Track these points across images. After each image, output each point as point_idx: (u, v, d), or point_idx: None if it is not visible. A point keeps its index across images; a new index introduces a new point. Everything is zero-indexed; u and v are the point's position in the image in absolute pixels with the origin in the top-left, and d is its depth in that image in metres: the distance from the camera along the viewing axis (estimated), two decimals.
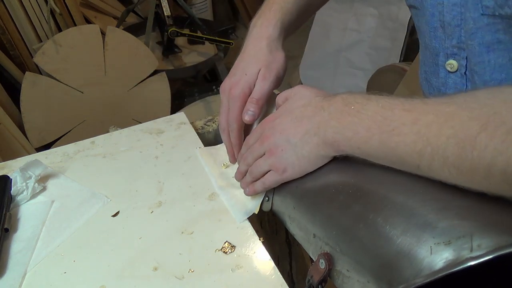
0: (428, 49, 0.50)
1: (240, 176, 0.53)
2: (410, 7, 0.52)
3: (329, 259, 0.39)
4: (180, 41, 1.99)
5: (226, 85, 0.55)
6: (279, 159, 0.46)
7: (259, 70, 0.53)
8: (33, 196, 0.57)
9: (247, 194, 0.52)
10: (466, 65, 0.46)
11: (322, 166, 0.44)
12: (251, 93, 0.54)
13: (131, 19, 2.12)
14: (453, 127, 0.32)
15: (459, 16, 0.43)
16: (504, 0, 0.38)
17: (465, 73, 0.46)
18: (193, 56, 2.01)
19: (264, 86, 0.53)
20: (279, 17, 0.56)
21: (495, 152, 0.30)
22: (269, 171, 0.48)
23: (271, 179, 0.48)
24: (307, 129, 0.43)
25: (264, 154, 0.48)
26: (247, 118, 0.54)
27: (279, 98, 0.51)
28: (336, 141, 0.41)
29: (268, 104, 0.57)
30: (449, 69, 0.47)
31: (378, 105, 0.38)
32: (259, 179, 0.49)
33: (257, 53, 0.54)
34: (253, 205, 0.52)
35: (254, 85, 0.54)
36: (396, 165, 0.37)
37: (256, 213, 0.52)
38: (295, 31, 0.62)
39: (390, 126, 0.36)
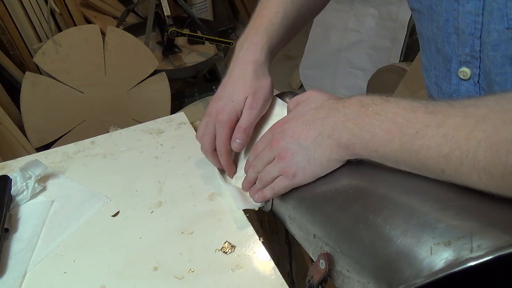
0: (441, 54, 0.49)
1: (249, 186, 0.52)
2: (413, 10, 0.51)
3: (329, 259, 0.39)
4: (180, 41, 1.99)
5: (212, 108, 0.55)
6: (290, 163, 0.44)
7: (246, 98, 0.52)
8: (33, 196, 0.57)
9: (256, 201, 0.51)
10: (479, 73, 0.45)
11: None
12: (238, 120, 0.53)
13: (131, 19, 2.12)
14: (486, 130, 0.31)
15: (473, 25, 0.42)
16: None
17: (478, 81, 0.45)
18: (193, 56, 2.01)
19: (251, 115, 0.52)
20: (265, 41, 0.54)
21: None
22: (278, 176, 0.47)
23: (281, 185, 0.46)
24: (320, 131, 0.42)
25: (274, 159, 0.46)
26: (235, 146, 0.53)
27: (291, 104, 0.50)
28: (351, 144, 0.39)
29: (270, 112, 0.57)
30: (461, 76, 0.46)
31: (399, 107, 0.36)
32: (268, 185, 0.48)
33: (244, 78, 0.53)
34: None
35: (241, 112, 0.53)
36: (417, 170, 0.36)
37: (256, 209, 0.52)
38: (282, 49, 0.61)
39: (413, 128, 0.35)
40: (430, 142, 0.34)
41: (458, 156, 0.32)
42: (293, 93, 0.62)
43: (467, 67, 0.45)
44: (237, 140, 0.53)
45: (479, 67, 0.44)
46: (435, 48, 0.50)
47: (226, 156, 0.55)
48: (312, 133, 0.42)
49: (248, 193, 0.52)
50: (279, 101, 0.58)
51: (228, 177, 0.58)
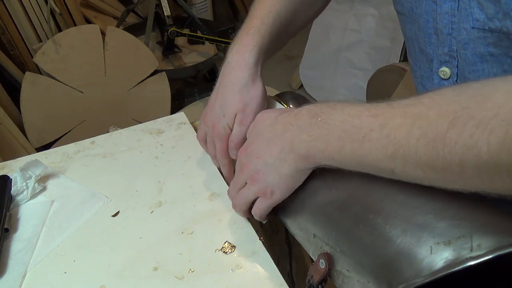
0: (424, 55, 0.50)
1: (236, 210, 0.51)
2: (398, 12, 0.52)
3: (329, 259, 0.39)
4: (180, 41, 1.99)
5: (208, 118, 0.55)
6: (264, 184, 0.45)
7: (236, 115, 0.52)
8: (33, 196, 0.57)
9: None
10: (457, 73, 0.46)
11: (323, 167, 0.44)
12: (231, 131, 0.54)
13: (131, 19, 2.12)
14: (422, 127, 0.32)
15: (450, 25, 0.43)
16: (493, 13, 0.37)
17: (456, 80, 0.46)
18: (193, 56, 2.01)
19: (241, 131, 0.52)
20: (256, 42, 0.53)
21: (464, 147, 0.29)
22: (256, 198, 0.47)
23: (262, 206, 0.46)
24: (281, 146, 0.43)
25: (246, 183, 0.47)
26: (232, 157, 0.54)
27: (248, 130, 0.51)
28: (311, 155, 0.41)
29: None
30: (442, 76, 0.47)
31: (345, 114, 0.38)
32: (245, 209, 0.49)
33: (233, 91, 0.52)
34: None
35: (233, 125, 0.53)
36: (372, 172, 0.37)
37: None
38: (277, 50, 0.60)
39: (359, 133, 0.36)
40: (376, 144, 0.35)
41: (402, 155, 0.33)
42: (293, 93, 0.62)
43: (446, 67, 0.46)
44: (233, 152, 0.54)
45: (457, 66, 0.45)
46: (418, 49, 0.51)
47: (227, 166, 0.56)
48: (274, 149, 0.43)
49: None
50: (277, 104, 0.58)
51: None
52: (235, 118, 0.52)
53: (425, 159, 0.32)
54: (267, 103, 0.55)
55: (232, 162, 0.56)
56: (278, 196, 0.45)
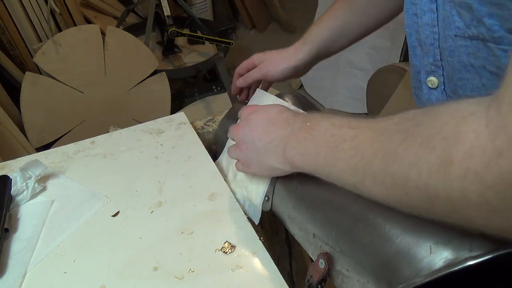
0: (412, 66, 0.51)
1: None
2: None
3: (329, 259, 0.39)
4: (180, 41, 1.99)
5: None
6: (243, 156, 0.49)
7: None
8: (33, 196, 0.57)
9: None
10: (444, 81, 0.46)
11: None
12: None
13: (131, 19, 2.12)
14: (381, 141, 0.32)
15: (432, 35, 0.44)
16: (469, 21, 0.38)
17: (444, 89, 0.47)
18: (193, 56, 2.01)
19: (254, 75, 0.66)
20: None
21: (409, 165, 0.29)
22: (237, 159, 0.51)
23: (239, 168, 0.51)
24: (272, 138, 0.44)
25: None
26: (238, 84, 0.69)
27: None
28: (292, 157, 0.42)
29: None
30: (430, 85, 0.48)
31: (330, 123, 0.39)
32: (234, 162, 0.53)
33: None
34: (257, 202, 0.52)
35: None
36: (340, 183, 0.38)
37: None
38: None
39: (335, 142, 0.37)
40: (345, 154, 0.36)
41: (362, 168, 0.34)
42: (292, 93, 0.63)
43: (433, 76, 0.47)
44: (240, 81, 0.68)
45: (443, 75, 0.46)
46: (410, 61, 0.52)
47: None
48: (266, 137, 0.45)
49: (258, 206, 0.53)
50: (278, 100, 0.58)
51: (229, 177, 0.58)
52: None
53: (379, 175, 0.32)
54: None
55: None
56: (253, 171, 0.49)
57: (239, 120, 0.51)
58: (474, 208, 0.26)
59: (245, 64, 0.68)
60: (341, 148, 0.36)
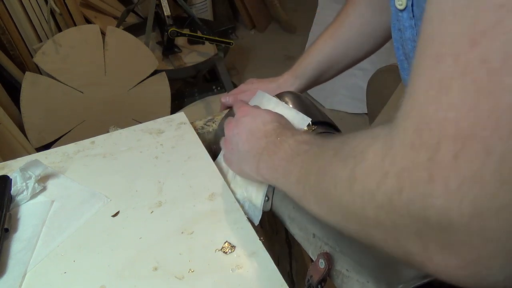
0: (403, 80, 0.52)
1: None
2: None
3: (329, 259, 0.39)
4: (180, 41, 1.99)
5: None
6: (227, 154, 0.52)
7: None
8: (33, 196, 0.57)
9: None
10: None
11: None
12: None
13: (131, 19, 2.12)
14: (320, 157, 0.34)
15: (413, 49, 0.44)
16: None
17: None
18: (193, 56, 2.00)
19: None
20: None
21: (330, 179, 0.30)
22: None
23: (225, 161, 0.54)
24: (250, 148, 0.46)
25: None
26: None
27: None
28: (262, 169, 0.44)
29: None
30: None
31: (294, 139, 0.41)
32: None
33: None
34: (257, 203, 0.52)
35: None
36: (293, 197, 0.39)
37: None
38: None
39: (291, 157, 0.39)
40: (294, 168, 0.38)
41: (303, 181, 0.35)
42: (292, 93, 0.62)
43: None
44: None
45: None
46: (400, 75, 0.53)
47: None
48: (246, 145, 0.47)
49: (258, 206, 0.53)
50: (279, 103, 0.58)
51: (228, 177, 0.58)
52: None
53: (313, 189, 0.33)
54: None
55: None
56: (233, 170, 0.52)
57: (234, 115, 0.52)
58: (373, 228, 0.27)
59: (235, 90, 0.71)
60: (294, 162, 0.38)
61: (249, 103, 0.64)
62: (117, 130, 0.70)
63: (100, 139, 0.68)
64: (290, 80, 0.67)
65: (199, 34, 1.88)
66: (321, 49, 0.66)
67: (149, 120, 0.71)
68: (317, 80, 0.69)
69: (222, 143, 0.53)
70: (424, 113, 0.21)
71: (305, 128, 0.54)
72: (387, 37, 0.67)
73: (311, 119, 0.54)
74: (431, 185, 0.21)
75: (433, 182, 0.21)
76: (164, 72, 1.74)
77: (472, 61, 0.19)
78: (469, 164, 0.19)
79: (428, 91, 0.21)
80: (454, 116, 0.20)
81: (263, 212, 0.52)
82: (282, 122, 0.48)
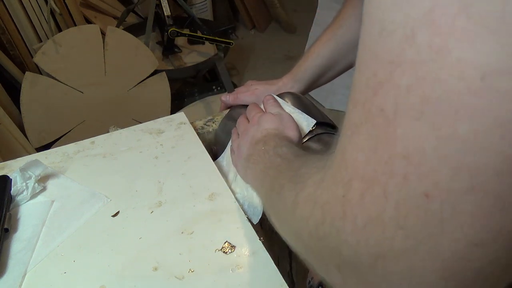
0: None
1: None
2: None
3: None
4: (180, 41, 1.99)
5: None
6: (236, 148, 0.55)
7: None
8: (33, 196, 0.57)
9: None
10: None
11: None
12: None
13: (131, 19, 2.12)
14: (283, 174, 0.36)
15: None
16: None
17: None
18: (193, 56, 2.01)
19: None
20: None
21: (282, 199, 0.33)
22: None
23: (232, 151, 0.57)
24: (248, 154, 0.50)
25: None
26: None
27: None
28: (248, 175, 0.48)
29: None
30: None
31: (274, 151, 0.44)
32: None
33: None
34: (258, 202, 0.52)
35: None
36: (266, 208, 0.43)
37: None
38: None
39: (266, 169, 0.42)
40: (265, 181, 0.40)
41: (269, 196, 0.38)
42: (292, 94, 0.63)
43: None
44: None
45: None
46: None
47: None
48: (247, 151, 0.50)
49: (258, 206, 0.53)
50: (279, 100, 0.58)
51: (229, 178, 0.58)
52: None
53: (273, 204, 0.36)
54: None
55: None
56: (234, 163, 0.56)
57: (250, 114, 0.56)
58: (309, 252, 0.28)
59: (234, 91, 0.72)
60: (267, 174, 0.41)
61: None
62: (117, 130, 0.70)
63: (100, 139, 0.68)
64: (290, 83, 0.67)
65: (199, 34, 1.88)
66: (320, 51, 0.67)
67: (149, 120, 0.71)
68: (317, 82, 0.70)
69: (233, 135, 0.57)
70: (343, 152, 0.22)
71: (310, 129, 0.55)
72: None
73: (315, 121, 0.55)
74: (343, 221, 0.22)
75: (345, 219, 0.21)
76: (164, 72, 1.74)
77: (373, 109, 0.20)
78: (372, 205, 0.20)
79: (347, 132, 0.22)
80: (362, 158, 0.21)
81: (263, 212, 0.52)
82: (279, 128, 0.49)
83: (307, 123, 0.55)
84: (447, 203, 0.17)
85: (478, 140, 0.16)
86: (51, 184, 0.59)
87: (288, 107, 0.58)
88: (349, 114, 0.22)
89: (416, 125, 0.17)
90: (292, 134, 0.50)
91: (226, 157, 0.62)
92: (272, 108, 0.55)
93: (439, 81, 0.16)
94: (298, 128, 0.52)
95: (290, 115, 0.53)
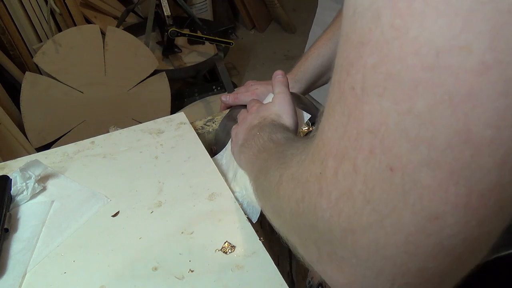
0: None
1: None
2: None
3: None
4: (180, 41, 1.99)
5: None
6: (234, 135, 0.56)
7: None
8: (33, 196, 0.57)
9: None
10: None
11: None
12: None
13: (131, 19, 2.12)
14: (273, 156, 0.38)
15: None
16: None
17: None
18: (193, 56, 2.00)
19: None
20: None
21: (269, 179, 0.34)
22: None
23: (232, 138, 0.58)
24: (243, 139, 0.52)
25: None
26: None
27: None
28: (242, 160, 0.50)
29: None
30: None
31: (268, 136, 0.46)
32: None
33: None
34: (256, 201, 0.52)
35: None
36: (255, 191, 0.43)
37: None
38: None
39: (259, 152, 0.44)
40: (257, 163, 0.42)
41: (259, 177, 0.39)
42: (292, 93, 0.63)
43: None
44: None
45: None
46: None
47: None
48: (242, 137, 0.53)
49: (257, 205, 0.53)
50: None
51: (229, 176, 0.58)
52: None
53: (260, 186, 0.37)
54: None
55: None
56: (232, 151, 0.57)
57: (250, 106, 0.58)
58: (290, 230, 0.29)
59: (235, 91, 0.75)
60: (259, 157, 0.42)
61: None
62: (117, 130, 0.70)
63: (100, 139, 0.68)
64: (290, 84, 0.67)
65: (199, 34, 1.88)
66: (320, 52, 0.67)
67: (149, 120, 0.71)
68: (317, 82, 0.70)
69: (234, 127, 0.58)
70: (321, 131, 0.23)
71: (305, 123, 0.55)
72: None
73: (310, 115, 0.55)
74: (319, 197, 0.23)
75: (321, 195, 0.23)
76: (164, 72, 1.74)
77: (346, 88, 0.21)
78: (343, 181, 0.21)
79: (325, 112, 0.23)
80: (334, 135, 0.22)
81: (262, 211, 0.52)
82: (276, 116, 0.51)
83: (302, 118, 0.55)
84: (407, 176, 0.18)
85: (432, 114, 0.17)
86: (51, 184, 0.59)
87: None
88: (328, 96, 0.23)
89: (380, 100, 0.19)
90: (289, 122, 0.51)
91: (225, 156, 0.62)
92: (278, 86, 0.56)
93: (399, 58, 0.18)
94: (295, 115, 0.53)
95: (291, 101, 0.54)
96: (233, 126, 0.58)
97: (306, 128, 0.55)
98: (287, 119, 0.51)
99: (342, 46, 0.21)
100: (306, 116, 0.55)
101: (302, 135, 0.55)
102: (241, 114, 0.58)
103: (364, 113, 0.19)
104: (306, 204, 0.24)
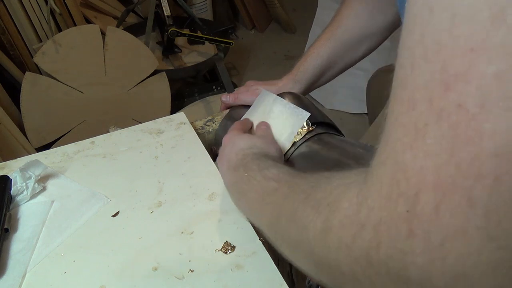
0: None
1: None
2: None
3: None
4: (180, 41, 1.99)
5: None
6: (219, 161, 0.53)
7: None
8: (33, 196, 0.57)
9: None
10: None
11: (323, 166, 0.45)
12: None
13: (131, 19, 2.12)
14: (290, 199, 0.34)
15: None
16: None
17: None
18: (193, 56, 2.00)
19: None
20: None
21: (302, 227, 0.29)
22: None
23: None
24: (228, 180, 0.49)
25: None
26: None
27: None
28: (238, 206, 0.50)
29: (270, 109, 0.58)
30: None
31: (261, 175, 0.41)
32: None
33: None
34: None
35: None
36: (268, 237, 0.40)
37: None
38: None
39: (262, 197, 0.40)
40: (264, 210, 0.39)
41: (275, 227, 0.36)
42: (292, 94, 0.63)
43: None
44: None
45: None
46: None
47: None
48: (225, 178, 0.50)
49: None
50: (282, 101, 0.59)
51: None
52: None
53: (284, 233, 0.33)
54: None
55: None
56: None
57: (230, 130, 0.55)
58: (348, 282, 0.25)
59: (235, 91, 0.73)
60: (265, 202, 0.38)
61: (252, 105, 0.64)
62: (117, 130, 0.70)
63: (100, 139, 0.68)
64: (290, 84, 0.67)
65: (199, 34, 1.88)
66: (319, 52, 0.67)
67: (149, 120, 0.71)
68: (317, 82, 0.70)
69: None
70: (400, 161, 0.20)
71: (304, 123, 0.55)
72: (384, 36, 0.67)
73: (309, 114, 0.55)
74: (410, 241, 0.19)
75: (413, 237, 0.19)
76: (164, 72, 1.74)
77: (447, 106, 0.18)
78: (451, 217, 0.18)
79: (403, 138, 0.20)
80: (432, 164, 0.18)
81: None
82: (253, 149, 0.48)
83: (301, 116, 0.55)
84: None
85: None
86: (51, 184, 0.59)
87: (281, 102, 0.58)
88: (401, 118, 0.20)
89: (509, 116, 0.16)
90: (272, 150, 0.49)
91: None
92: (259, 131, 0.56)
93: None
94: (275, 142, 0.52)
95: (268, 132, 0.54)
96: (224, 136, 0.56)
97: (306, 128, 0.55)
98: (269, 149, 0.49)
99: (427, 57, 0.18)
100: (306, 115, 0.55)
101: (301, 135, 0.54)
102: (225, 141, 0.53)
103: (484, 133, 0.16)
104: (385, 251, 0.21)
